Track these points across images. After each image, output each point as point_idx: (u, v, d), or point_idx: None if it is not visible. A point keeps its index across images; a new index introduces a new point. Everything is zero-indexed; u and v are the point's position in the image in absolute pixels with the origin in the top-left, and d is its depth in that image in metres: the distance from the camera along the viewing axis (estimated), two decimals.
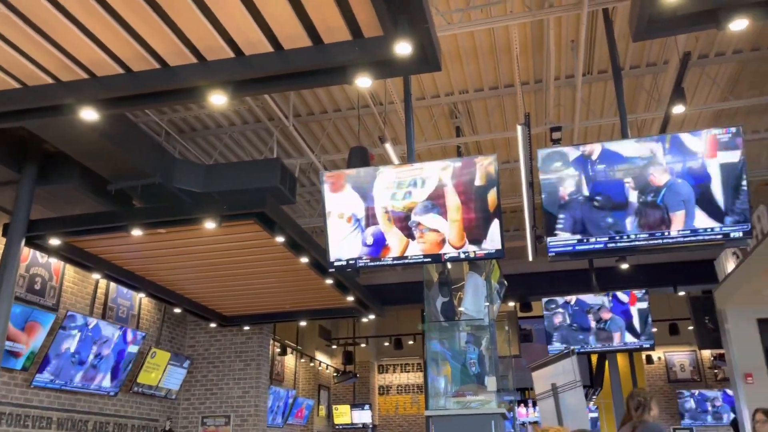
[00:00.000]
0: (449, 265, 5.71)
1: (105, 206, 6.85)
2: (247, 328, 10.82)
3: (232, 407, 10.64)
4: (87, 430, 8.37)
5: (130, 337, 8.74)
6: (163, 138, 7.99)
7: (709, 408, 14.68)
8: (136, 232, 6.41)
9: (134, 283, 8.10)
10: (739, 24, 3.69)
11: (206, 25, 3.63)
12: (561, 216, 4.41)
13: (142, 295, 9.11)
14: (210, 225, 6.30)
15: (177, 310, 9.48)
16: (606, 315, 8.84)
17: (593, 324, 8.81)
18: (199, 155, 8.72)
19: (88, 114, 4.35)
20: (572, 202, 4.40)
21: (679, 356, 15.81)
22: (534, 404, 12.83)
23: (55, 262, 7.71)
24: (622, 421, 4.60)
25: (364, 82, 4.08)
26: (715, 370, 15.22)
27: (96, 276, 8.06)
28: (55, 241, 6.62)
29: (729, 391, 14.12)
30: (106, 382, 8.49)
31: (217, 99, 4.15)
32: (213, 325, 10.30)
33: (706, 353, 15.25)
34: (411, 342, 16.02)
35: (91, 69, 4.07)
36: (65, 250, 6.95)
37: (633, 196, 4.30)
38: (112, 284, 8.73)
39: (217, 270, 8.01)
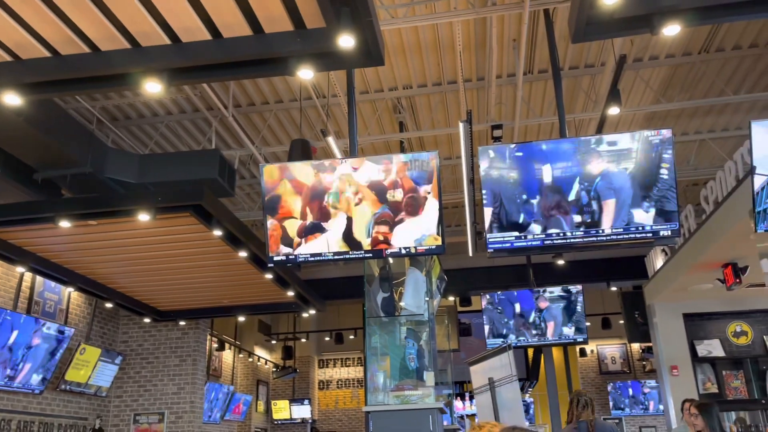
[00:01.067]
0: (390, 261, 5.71)
1: (31, 196, 6.52)
2: (183, 323, 10.54)
3: (166, 404, 10.35)
4: (10, 430, 7.97)
5: (57, 332, 8.36)
6: (95, 126, 7.67)
7: (638, 398, 15.30)
8: (65, 224, 6.11)
9: (63, 276, 7.75)
10: (671, 29, 3.81)
11: (140, 8, 3.48)
12: (500, 212, 4.47)
13: (71, 289, 8.73)
14: (144, 217, 6.07)
15: (109, 305, 9.13)
16: (543, 304, 9.05)
17: (532, 318, 9.01)
18: (133, 144, 8.41)
19: (12, 99, 4.11)
20: (512, 199, 4.46)
21: (611, 349, 16.39)
22: (471, 397, 13.05)
23: None
24: (567, 420, 4.76)
25: (306, 74, 4.01)
26: (644, 363, 15.86)
27: (21, 269, 7.66)
28: None
29: (656, 382, 14.77)
30: (31, 380, 8.10)
31: (153, 87, 3.99)
32: (147, 320, 9.98)
33: (636, 346, 15.87)
34: (352, 336, 16.01)
35: (15, 51, 3.84)
36: None
37: (572, 194, 4.39)
38: (39, 277, 8.32)
39: (151, 264, 7.75)
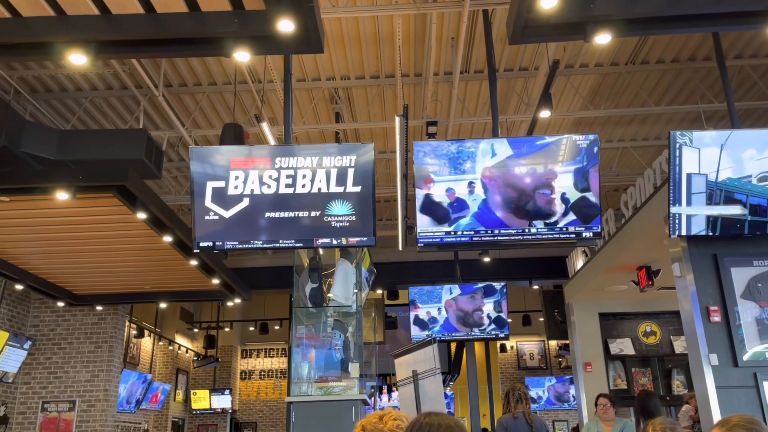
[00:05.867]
0: (320, 251, 5.68)
1: None
2: (100, 308, 10.11)
3: (78, 392, 9.91)
4: None
5: None
6: (12, 97, 7.22)
7: (553, 393, 15.92)
8: None
9: None
10: (603, 38, 3.96)
11: None
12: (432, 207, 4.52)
13: None
14: (62, 196, 5.78)
15: (19, 287, 8.64)
16: (480, 304, 9.28)
17: (470, 310, 9.21)
18: (54, 119, 7.98)
19: None
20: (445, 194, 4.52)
21: (530, 345, 16.95)
22: (393, 390, 13.19)
23: None
24: (503, 411, 4.94)
25: (242, 56, 3.92)
26: (560, 359, 16.50)
27: None
28: None
29: (570, 379, 15.41)
30: None
31: (77, 59, 3.79)
32: (61, 304, 9.50)
33: (553, 343, 16.48)
34: (277, 327, 15.85)
35: None
36: None
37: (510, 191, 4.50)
38: None
39: (68, 245, 7.39)
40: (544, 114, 6.55)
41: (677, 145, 4.82)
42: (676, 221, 4.91)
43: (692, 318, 5.01)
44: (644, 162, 9.11)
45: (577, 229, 4.55)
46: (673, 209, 4.87)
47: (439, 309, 9.50)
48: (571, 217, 4.54)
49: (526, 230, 4.52)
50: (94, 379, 9.95)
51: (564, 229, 4.55)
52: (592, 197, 4.53)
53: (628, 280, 7.31)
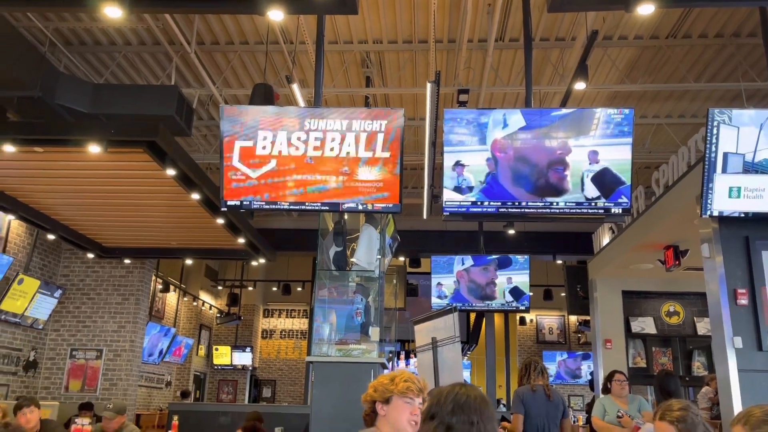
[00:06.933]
0: (345, 215, 5.69)
1: None
2: (128, 261, 10.33)
3: (105, 341, 10.21)
4: None
5: None
6: (47, 49, 7.28)
7: (570, 368, 15.96)
8: (9, 148, 5.83)
9: (3, 203, 7.44)
10: (645, 8, 3.83)
11: None
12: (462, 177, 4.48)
13: (11, 217, 8.41)
14: (95, 149, 5.84)
15: (51, 237, 8.85)
16: (493, 276, 9.24)
17: (482, 282, 9.20)
18: (87, 72, 8.05)
19: None
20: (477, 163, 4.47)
21: (549, 320, 16.95)
22: (411, 356, 13.32)
23: None
24: (520, 382, 4.95)
25: (276, 15, 3.88)
26: (579, 335, 16.48)
27: None
28: None
29: (586, 354, 15.41)
30: None
31: (112, 11, 3.80)
32: (90, 255, 9.72)
33: (573, 319, 16.45)
34: (299, 289, 16.04)
35: None
36: None
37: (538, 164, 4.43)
38: None
39: (99, 198, 7.51)
40: (579, 86, 6.41)
41: (715, 123, 4.69)
42: (709, 201, 4.81)
43: (718, 300, 4.94)
44: (679, 139, 8.90)
45: (605, 204, 4.47)
46: (707, 189, 4.77)
47: (444, 281, 9.48)
48: (599, 193, 4.46)
49: (554, 204, 4.46)
50: (121, 330, 10.22)
51: (593, 204, 4.48)
52: (623, 173, 4.44)
53: (655, 258, 7.22)
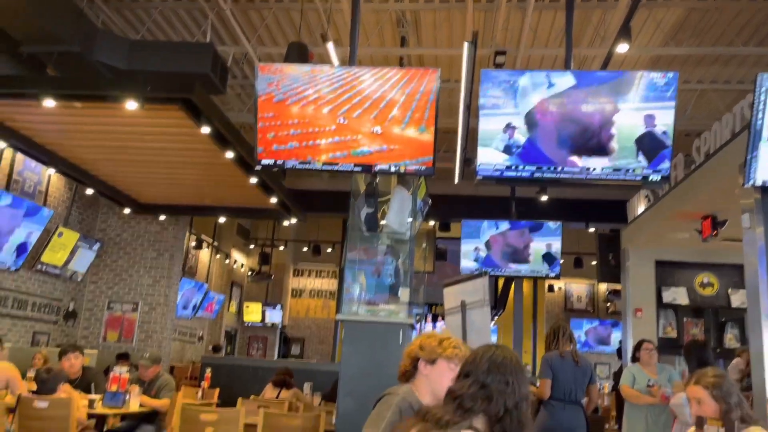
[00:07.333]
0: (378, 177, 5.68)
1: (15, 70, 6.29)
2: (162, 217, 10.54)
3: (141, 295, 10.50)
4: None
5: (35, 212, 8.30)
6: (85, 4, 7.32)
7: (601, 334, 15.93)
8: (48, 103, 5.94)
9: (43, 157, 7.62)
10: None
11: None
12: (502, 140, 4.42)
13: (51, 171, 8.62)
14: (131, 105, 5.92)
15: (89, 192, 9.05)
16: (529, 240, 9.16)
17: (519, 246, 9.14)
18: (124, 29, 8.09)
19: None
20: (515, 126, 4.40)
21: (578, 288, 16.86)
22: (439, 319, 13.41)
23: None
24: (548, 348, 4.96)
25: None
26: (608, 304, 16.37)
27: (1, 145, 7.50)
28: None
29: (613, 323, 15.32)
30: (6, 256, 8.11)
31: None
32: (127, 210, 9.94)
33: (603, 287, 16.32)
34: (329, 250, 16.18)
35: None
36: None
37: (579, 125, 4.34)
38: (19, 155, 8.17)
39: (135, 154, 7.64)
40: (622, 48, 6.21)
41: (763, 89, 4.51)
42: (752, 171, 4.66)
43: (756, 272, 4.83)
44: (723, 106, 8.62)
45: (644, 171, 4.37)
46: (751, 157, 4.62)
47: (480, 245, 9.41)
48: (640, 158, 4.35)
49: (592, 169, 4.38)
50: (156, 284, 10.49)
51: (630, 170, 4.39)
52: (663, 139, 4.32)
53: (691, 228, 7.07)
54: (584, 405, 5.00)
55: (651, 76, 4.30)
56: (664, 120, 4.30)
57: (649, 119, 4.29)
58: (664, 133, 4.30)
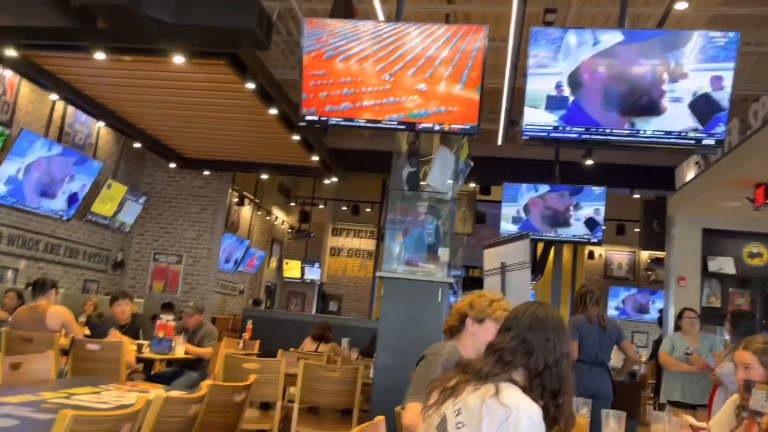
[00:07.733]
0: (420, 136, 5.64)
1: (66, 23, 6.39)
2: (206, 173, 10.73)
3: (185, 247, 10.79)
4: (38, 250, 8.40)
5: (85, 164, 8.55)
6: None
7: (633, 303, 15.73)
8: (99, 56, 6.05)
9: (93, 109, 7.80)
10: None
11: None
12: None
13: (101, 123, 8.82)
14: (178, 59, 5.98)
15: (137, 145, 9.26)
16: (570, 202, 9.03)
17: (560, 208, 9.02)
18: None
19: None
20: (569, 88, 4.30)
21: (619, 255, 16.60)
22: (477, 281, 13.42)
23: (9, 75, 7.29)
24: (575, 311, 4.92)
25: None
26: (649, 272, 16.10)
27: (53, 97, 7.70)
28: (11, 53, 6.20)
29: (651, 291, 15.08)
30: (59, 206, 8.41)
31: None
32: (172, 165, 10.15)
33: (644, 256, 16.03)
34: (368, 210, 16.26)
35: None
36: (22, 64, 6.54)
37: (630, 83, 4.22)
38: (70, 108, 8.38)
39: (181, 108, 7.75)
40: (681, 5, 5.95)
41: None
42: None
43: None
44: None
45: (697, 135, 4.23)
46: None
47: (520, 208, 9.32)
48: (693, 121, 4.21)
49: (642, 131, 4.26)
50: (200, 238, 10.75)
51: (683, 134, 4.25)
52: (720, 102, 4.16)
53: (742, 196, 6.85)
54: (622, 364, 5.02)
55: (710, 35, 4.13)
56: (722, 82, 4.14)
57: (708, 80, 4.13)
58: (721, 95, 4.15)
